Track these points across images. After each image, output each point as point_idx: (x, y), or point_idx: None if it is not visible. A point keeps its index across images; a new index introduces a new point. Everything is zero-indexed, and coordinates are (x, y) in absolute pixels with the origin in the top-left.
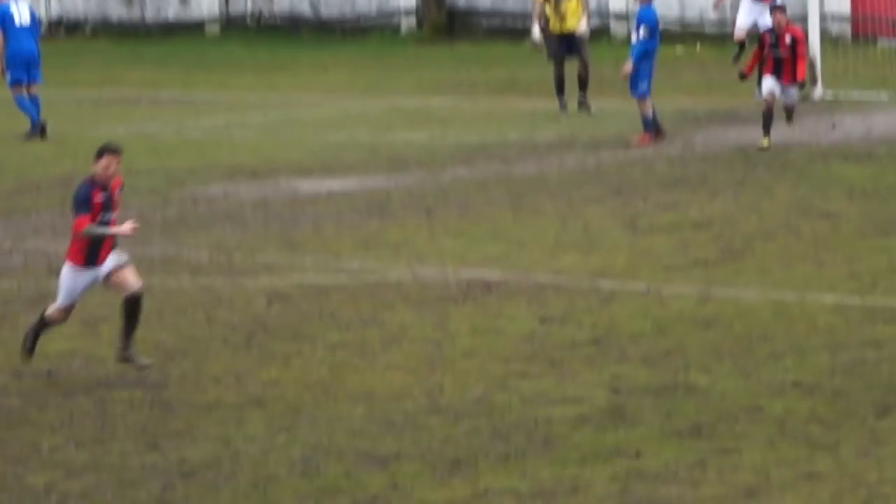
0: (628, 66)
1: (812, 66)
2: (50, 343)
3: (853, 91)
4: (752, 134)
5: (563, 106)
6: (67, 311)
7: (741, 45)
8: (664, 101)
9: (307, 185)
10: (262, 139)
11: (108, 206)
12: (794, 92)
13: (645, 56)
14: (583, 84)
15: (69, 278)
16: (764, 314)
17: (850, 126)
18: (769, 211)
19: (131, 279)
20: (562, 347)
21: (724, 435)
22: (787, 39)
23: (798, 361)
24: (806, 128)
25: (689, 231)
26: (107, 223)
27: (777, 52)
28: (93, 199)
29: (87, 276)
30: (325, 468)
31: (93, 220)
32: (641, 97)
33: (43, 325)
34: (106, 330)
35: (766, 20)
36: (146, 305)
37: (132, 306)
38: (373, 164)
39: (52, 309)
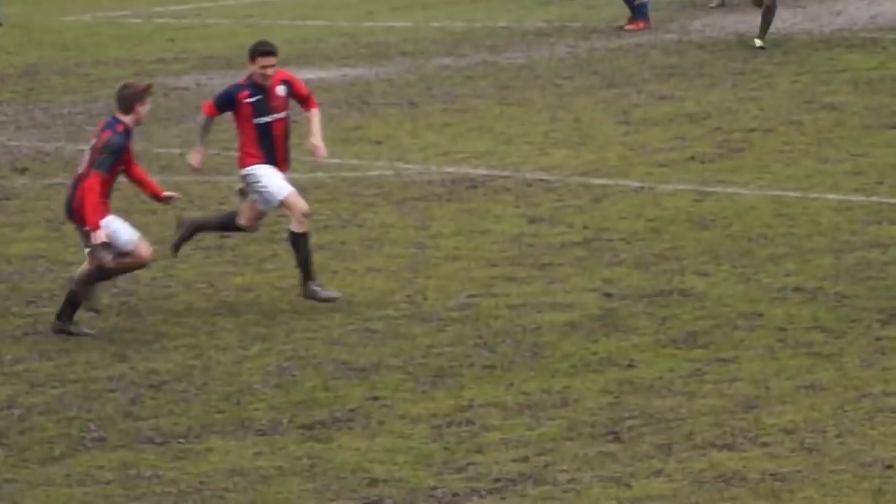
0: None
1: None
2: (12, 246)
3: None
4: (753, 20)
5: None
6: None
7: None
8: None
9: None
10: (235, 26)
11: (264, 108)
12: None
13: None
14: None
15: (265, 174)
16: (764, 213)
17: (855, 11)
18: (769, 103)
19: (301, 207)
20: (551, 249)
21: (722, 343)
22: None
23: (800, 264)
24: (808, 13)
25: (685, 124)
26: (269, 127)
27: None
28: (237, 99)
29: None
30: (301, 379)
31: (247, 121)
32: None
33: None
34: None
35: None
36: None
37: (296, 242)
38: (353, 53)
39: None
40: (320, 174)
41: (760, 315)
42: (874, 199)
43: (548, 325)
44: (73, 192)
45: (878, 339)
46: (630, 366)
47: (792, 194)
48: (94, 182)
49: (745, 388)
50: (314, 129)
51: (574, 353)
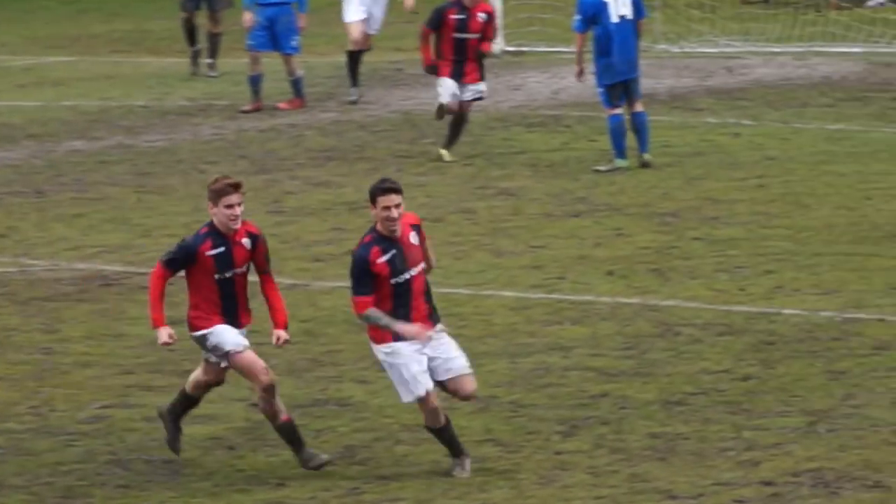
0: (248, 17)
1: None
2: None
3: (539, 44)
4: (420, 96)
5: (196, 64)
6: (427, 400)
7: (357, 54)
8: (314, 57)
9: None
10: None
11: (399, 265)
12: (480, 89)
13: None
14: (213, 40)
15: (397, 362)
16: None
17: (535, 86)
18: (438, 189)
19: (471, 384)
20: (192, 355)
21: (383, 459)
22: (481, 17)
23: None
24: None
25: (343, 214)
26: (407, 286)
27: (465, 34)
28: (371, 264)
29: (409, 348)
30: None
31: (381, 288)
32: (293, 53)
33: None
34: None
35: (380, 10)
36: None
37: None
38: None
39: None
40: None
41: (422, 426)
42: (554, 296)
43: (189, 440)
44: None
45: (558, 453)
46: (280, 484)
47: (463, 291)
48: (155, 271)
49: None
50: None
51: (218, 471)
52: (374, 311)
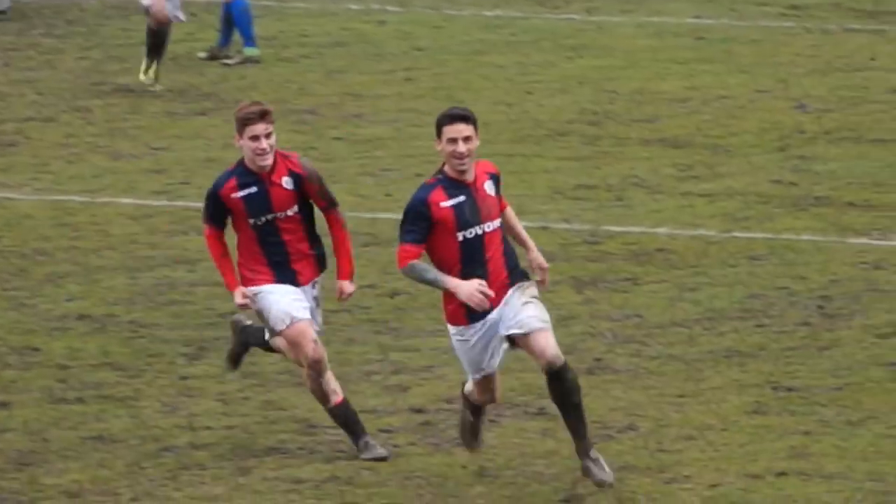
0: None
1: None
2: None
3: None
4: None
5: None
6: (486, 385)
7: None
8: None
9: None
10: None
11: (468, 215)
12: None
13: None
14: None
15: (459, 350)
16: (41, 223)
17: None
18: (49, 85)
19: (546, 344)
20: None
21: None
22: None
23: (86, 286)
24: None
25: None
26: (478, 245)
27: None
28: (432, 206)
29: (478, 335)
30: None
31: (445, 243)
32: None
33: (475, 412)
34: None
35: None
36: None
37: (559, 387)
38: None
39: (468, 387)
40: None
41: (36, 349)
42: (179, 203)
43: None
44: None
45: (184, 378)
46: None
47: (76, 199)
48: (205, 235)
49: (17, 441)
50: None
51: None
52: (418, 264)
